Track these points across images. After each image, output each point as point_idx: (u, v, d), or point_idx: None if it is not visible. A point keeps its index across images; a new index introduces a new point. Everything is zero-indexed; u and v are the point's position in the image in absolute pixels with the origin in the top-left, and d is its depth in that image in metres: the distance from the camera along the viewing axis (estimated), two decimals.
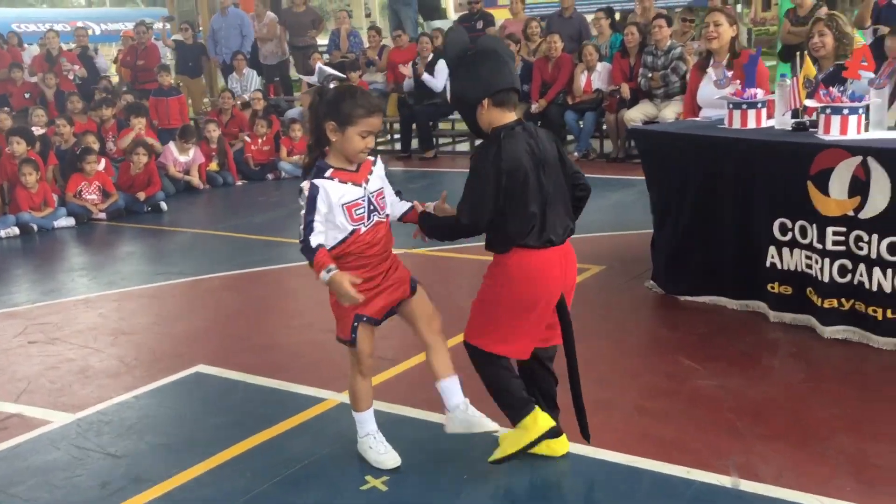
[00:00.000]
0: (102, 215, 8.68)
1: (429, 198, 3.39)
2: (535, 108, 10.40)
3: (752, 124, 4.87)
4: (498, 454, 3.20)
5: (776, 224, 4.48)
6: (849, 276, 4.20)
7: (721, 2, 10.34)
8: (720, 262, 4.83)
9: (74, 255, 7.57)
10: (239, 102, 12.04)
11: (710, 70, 6.29)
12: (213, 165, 10.46)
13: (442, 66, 11.21)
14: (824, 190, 4.18)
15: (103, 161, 9.17)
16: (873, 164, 3.97)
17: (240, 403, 4.01)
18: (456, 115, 12.32)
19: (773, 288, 4.59)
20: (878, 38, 6.69)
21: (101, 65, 13.88)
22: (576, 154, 10.16)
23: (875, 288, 4.10)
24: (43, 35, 13.80)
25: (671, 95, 9.44)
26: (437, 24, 15.02)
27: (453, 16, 20.34)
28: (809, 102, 4.47)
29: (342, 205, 3.06)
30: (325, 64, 12.46)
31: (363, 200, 3.09)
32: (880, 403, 3.62)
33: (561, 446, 3.27)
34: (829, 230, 4.20)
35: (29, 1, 38.80)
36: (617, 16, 11.85)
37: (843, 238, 4.17)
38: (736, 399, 3.72)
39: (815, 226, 4.28)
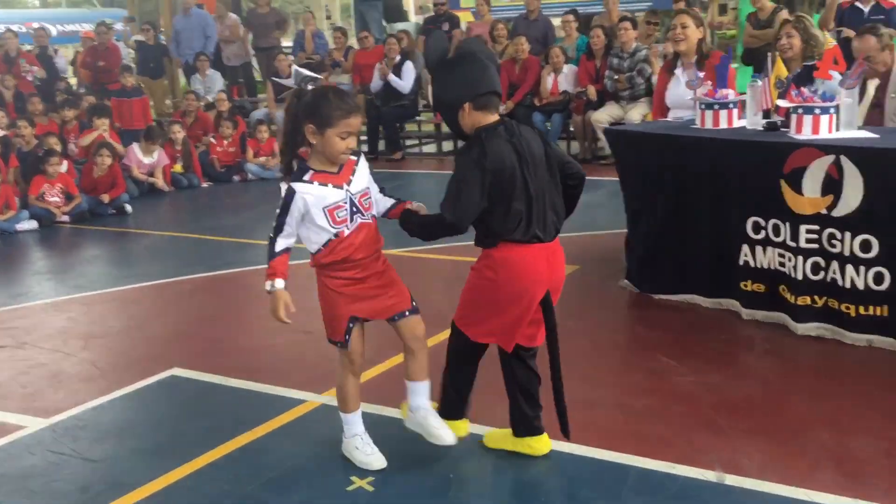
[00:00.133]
0: (66, 218, 8.54)
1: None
2: (502, 109, 10.42)
3: (723, 124, 4.93)
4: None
5: (749, 223, 4.53)
6: (822, 274, 4.27)
7: (685, 4, 10.44)
8: (694, 261, 4.88)
9: (39, 258, 7.44)
10: (203, 104, 11.92)
11: (677, 72, 6.36)
12: (178, 167, 10.35)
13: (409, 68, 11.21)
14: (798, 188, 4.24)
15: (65, 163, 9.03)
16: (846, 163, 4.04)
17: (218, 406, 3.96)
18: (423, 117, 12.35)
19: (745, 286, 4.64)
20: (842, 39, 6.81)
21: (60, 66, 13.64)
22: None
23: (848, 285, 4.17)
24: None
25: (637, 97, 9.53)
26: (400, 26, 15.00)
27: (414, 18, 20.34)
28: (781, 102, 4.53)
29: (323, 208, 3.04)
30: (290, 65, 12.40)
31: (345, 202, 3.06)
32: (856, 398, 3.68)
33: (543, 445, 3.28)
34: (803, 228, 4.27)
35: None
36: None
37: (816, 236, 4.24)
38: (715, 395, 3.76)
39: (788, 224, 4.34)
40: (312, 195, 3.02)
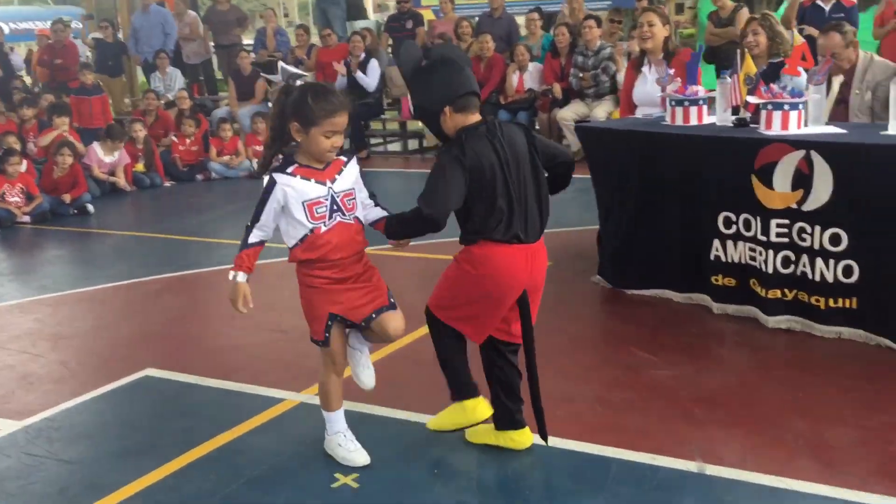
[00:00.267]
0: (27, 218, 8.39)
1: None
2: None
3: (693, 121, 4.99)
4: (435, 423, 3.43)
5: (720, 217, 4.59)
6: (792, 267, 4.34)
7: (648, 2, 10.55)
8: (665, 257, 4.93)
9: (1, 259, 7.28)
10: (163, 102, 11.78)
11: (644, 69, 6.42)
12: (140, 166, 10.22)
13: (374, 66, 11.19)
14: (768, 183, 4.31)
15: (25, 162, 8.86)
16: (816, 158, 4.11)
17: (195, 406, 3.92)
18: (387, 115, 12.32)
19: (716, 280, 4.70)
20: (805, 37, 6.92)
21: (17, 63, 13.40)
22: None
23: (818, 278, 4.24)
24: None
25: (602, 95, 9.61)
26: (360, 23, 14.94)
27: (373, 16, 20.26)
28: (751, 99, 4.59)
29: (302, 202, 3.03)
30: (252, 63, 12.31)
31: (325, 199, 3.05)
32: (829, 388, 3.75)
33: (524, 438, 3.30)
34: (773, 222, 4.33)
35: None
36: None
37: (786, 230, 4.31)
38: (691, 388, 3.81)
39: (759, 218, 4.40)
40: (293, 188, 3.02)
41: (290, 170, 3.03)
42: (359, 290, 3.12)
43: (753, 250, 4.48)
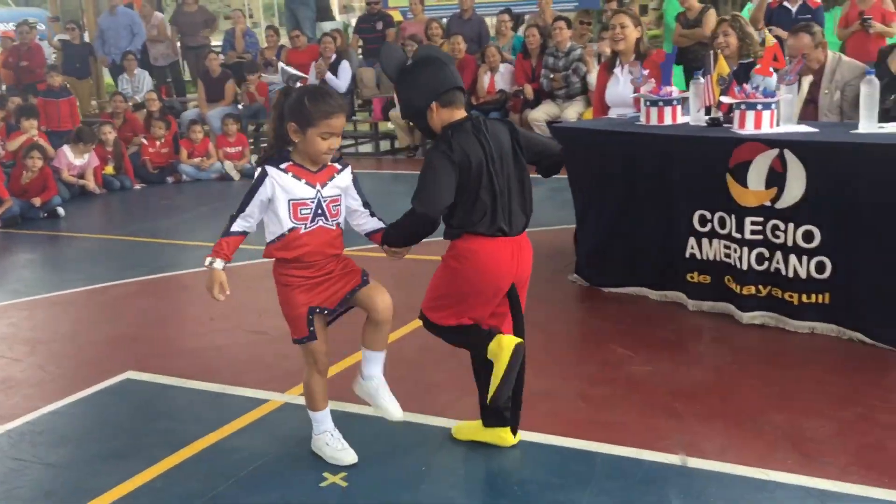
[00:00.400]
0: None
1: None
2: None
3: (668, 121, 5.07)
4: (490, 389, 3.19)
5: (696, 216, 4.67)
6: (766, 264, 4.43)
7: (617, 4, 10.66)
8: (642, 255, 5.00)
9: None
10: (131, 104, 11.69)
11: (616, 71, 6.50)
12: (109, 169, 10.12)
13: (345, 67, 11.18)
14: (743, 182, 4.39)
15: None
16: (790, 157, 4.20)
17: (178, 408, 3.92)
18: (358, 117, 12.32)
19: (692, 278, 4.78)
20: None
21: None
22: None
23: (791, 274, 4.33)
24: None
25: (573, 95, 9.69)
26: (327, 25, 14.92)
27: (339, 17, 20.23)
28: (725, 99, 4.68)
29: (288, 199, 3.06)
30: (221, 65, 12.25)
31: (311, 202, 3.08)
32: (804, 382, 3.84)
33: (511, 436, 3.34)
34: (748, 220, 4.42)
35: None
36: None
37: (760, 227, 4.39)
38: (671, 383, 3.88)
39: (733, 216, 4.49)
40: (282, 184, 3.04)
41: (283, 165, 3.06)
42: (331, 281, 3.15)
43: (728, 248, 4.56)
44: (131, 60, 12.50)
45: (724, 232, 4.56)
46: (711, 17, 8.98)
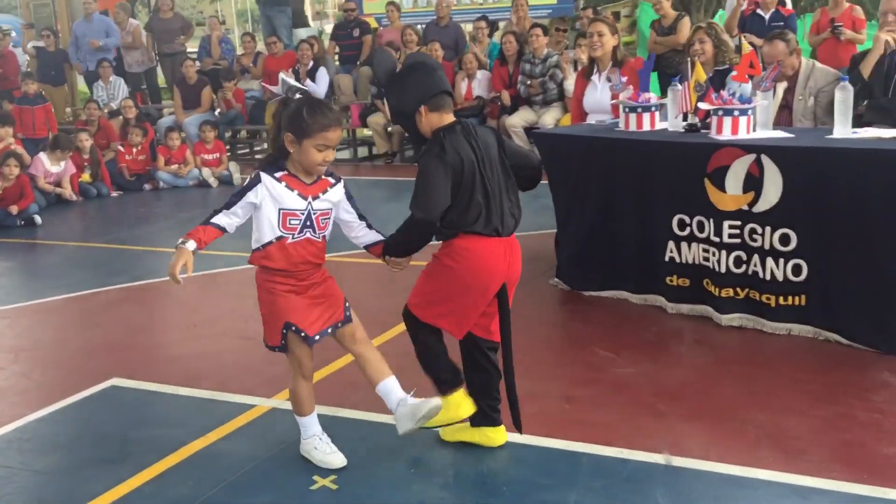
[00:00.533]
0: None
1: None
2: None
3: (646, 127, 5.15)
4: (446, 432, 3.39)
5: (675, 220, 4.75)
6: (744, 267, 4.51)
7: (593, 12, 10.78)
8: (622, 259, 5.08)
9: None
10: (106, 112, 11.63)
11: (594, 78, 6.60)
12: (86, 176, 10.07)
13: (323, 73, 11.20)
14: (721, 186, 4.48)
15: None
16: (766, 162, 4.29)
17: (165, 414, 3.93)
18: None
19: (671, 281, 4.86)
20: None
21: None
22: None
23: (768, 277, 4.42)
24: None
25: (549, 102, 9.78)
26: (303, 31, 14.94)
27: (312, 23, 20.23)
28: (702, 105, 4.77)
29: (279, 209, 3.09)
30: (197, 71, 12.23)
31: (302, 213, 3.12)
32: (783, 381, 3.92)
33: (499, 436, 3.39)
34: (726, 224, 4.50)
35: None
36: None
37: (738, 231, 4.48)
38: (654, 384, 3.95)
39: (712, 220, 4.57)
40: (274, 193, 3.08)
41: (277, 174, 3.10)
42: (317, 306, 3.17)
43: (707, 251, 4.64)
44: (106, 68, 12.44)
45: (703, 236, 4.64)
46: (686, 24, 9.11)
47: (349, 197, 3.28)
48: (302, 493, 3.15)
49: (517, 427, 3.34)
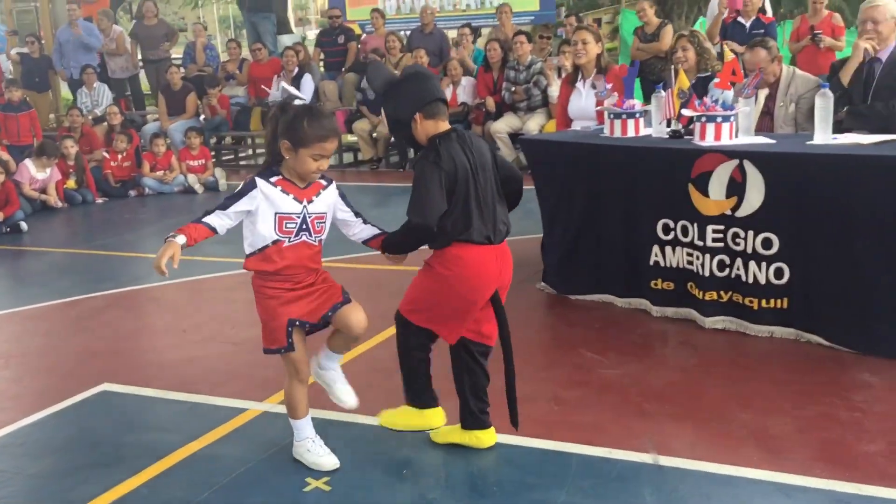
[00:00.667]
0: None
1: None
2: None
3: (631, 133, 5.23)
4: (388, 419, 3.50)
5: (659, 224, 4.83)
6: (727, 271, 4.59)
7: (575, 20, 10.89)
8: (608, 263, 5.15)
9: None
10: (90, 118, 11.62)
11: (578, 85, 6.69)
12: (71, 183, 10.06)
13: (308, 80, 11.24)
14: (704, 191, 4.56)
15: None
16: (749, 167, 4.38)
17: (158, 419, 3.96)
18: None
19: (656, 285, 4.93)
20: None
21: None
22: None
23: (751, 280, 4.50)
24: None
25: (534, 108, 9.87)
26: (286, 38, 14.99)
27: (294, 30, 20.28)
28: (686, 111, 4.85)
29: (275, 213, 3.13)
30: (182, 78, 12.24)
31: (297, 217, 3.15)
32: (766, 383, 3.99)
33: (489, 438, 3.44)
34: (709, 228, 4.58)
35: None
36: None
37: (721, 235, 4.56)
38: (640, 385, 4.01)
39: (695, 225, 4.65)
40: (269, 198, 3.12)
41: (273, 179, 3.14)
42: (313, 295, 3.23)
43: (691, 255, 4.72)
44: (91, 74, 12.43)
45: (687, 240, 4.72)
46: (669, 32, 9.24)
47: (342, 196, 3.33)
48: (295, 495, 3.20)
49: (514, 424, 3.40)
